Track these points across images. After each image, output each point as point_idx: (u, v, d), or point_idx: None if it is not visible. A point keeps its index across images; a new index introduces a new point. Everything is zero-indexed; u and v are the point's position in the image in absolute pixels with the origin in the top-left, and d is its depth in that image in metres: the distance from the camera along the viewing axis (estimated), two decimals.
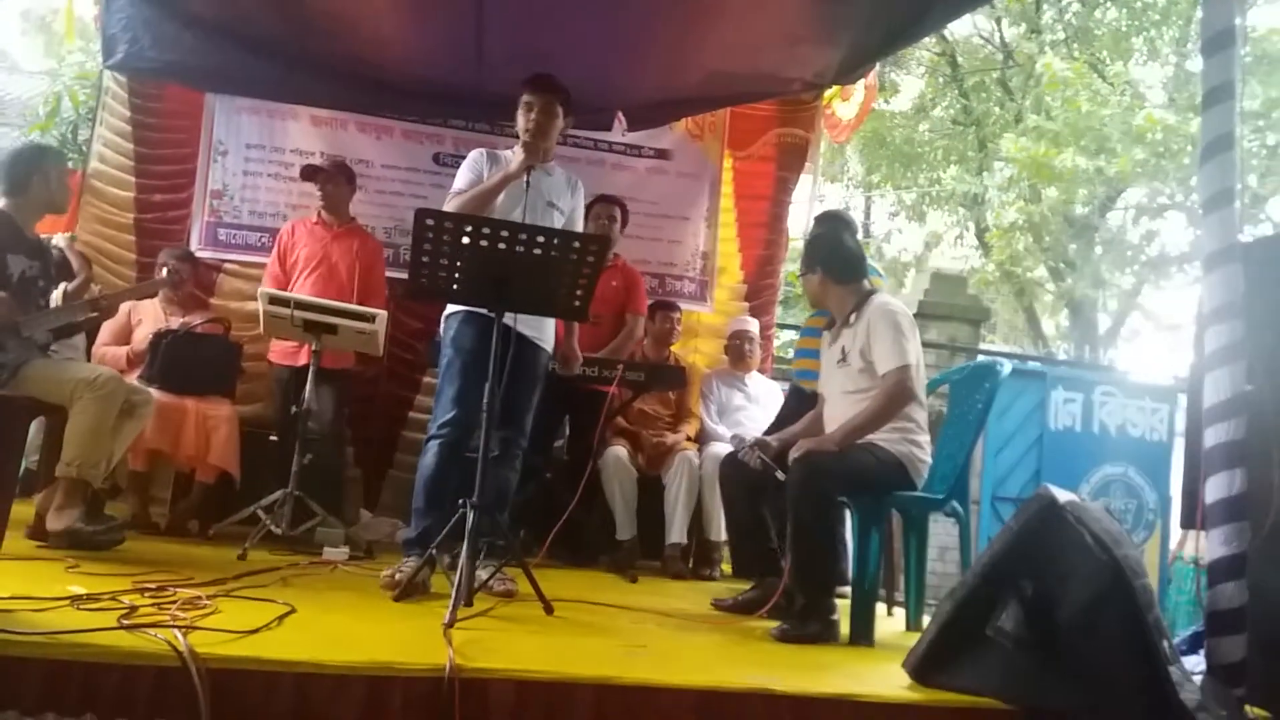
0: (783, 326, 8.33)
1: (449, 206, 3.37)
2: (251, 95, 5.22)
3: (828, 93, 5.61)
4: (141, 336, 4.37)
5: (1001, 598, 2.34)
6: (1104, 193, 12.61)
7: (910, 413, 3.21)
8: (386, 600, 2.88)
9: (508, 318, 3.05)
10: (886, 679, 2.40)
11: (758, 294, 5.79)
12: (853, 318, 3.35)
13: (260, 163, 5.28)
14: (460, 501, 2.91)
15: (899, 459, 3.15)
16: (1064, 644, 2.24)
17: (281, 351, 4.59)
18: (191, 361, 4.22)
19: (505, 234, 2.89)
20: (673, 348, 5.13)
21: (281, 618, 2.33)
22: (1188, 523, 2.92)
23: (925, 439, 3.26)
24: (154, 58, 4.80)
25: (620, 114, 5.28)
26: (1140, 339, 15.93)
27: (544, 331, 3.54)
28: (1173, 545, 6.67)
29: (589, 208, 4.65)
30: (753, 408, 5.01)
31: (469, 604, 2.74)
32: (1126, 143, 10.94)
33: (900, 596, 3.90)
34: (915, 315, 7.28)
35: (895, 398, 3.14)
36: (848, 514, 3.34)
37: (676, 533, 4.57)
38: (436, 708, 1.91)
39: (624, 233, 4.81)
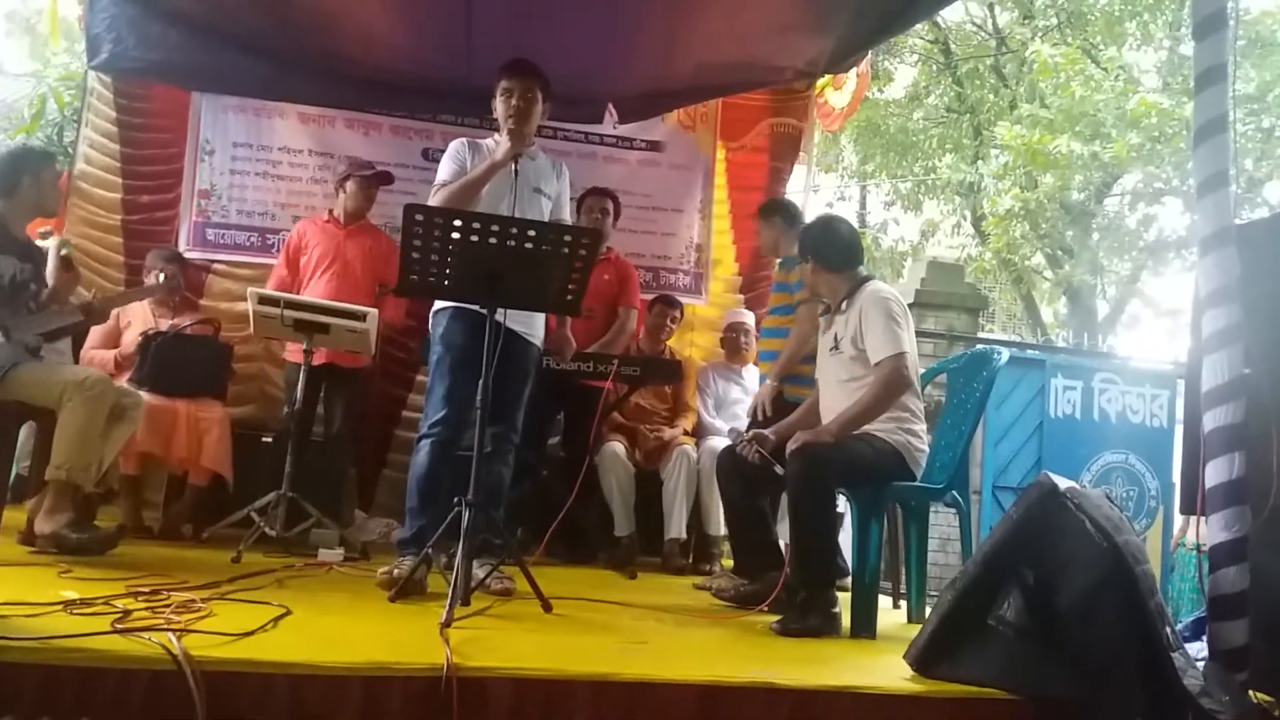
0: None
1: (434, 199, 3.34)
2: (238, 93, 5.19)
3: (820, 82, 5.59)
4: (130, 339, 4.34)
5: (1003, 586, 2.32)
6: (1100, 179, 12.59)
7: (906, 401, 3.19)
8: (382, 601, 2.86)
9: (498, 313, 3.02)
10: (888, 671, 2.38)
11: (753, 286, 5.76)
12: (845, 305, 3.33)
13: (248, 161, 5.25)
14: (455, 500, 2.89)
15: (896, 448, 3.14)
16: (1065, 631, 2.22)
17: (298, 349, 4.53)
18: (182, 363, 4.19)
19: (496, 228, 2.86)
20: (668, 341, 5.11)
21: (277, 620, 2.31)
22: (1188, 508, 2.90)
23: (921, 428, 3.24)
24: (139, 57, 4.78)
25: (611, 106, 5.27)
26: (1140, 325, 15.93)
27: (533, 326, 3.51)
28: (1175, 532, 6.67)
29: (581, 201, 4.63)
30: (749, 400, 4.99)
31: (466, 603, 2.72)
32: (1121, 128, 10.91)
33: (904, 589, 3.88)
34: (913, 305, 7.31)
35: (890, 386, 3.12)
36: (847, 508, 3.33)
37: (675, 528, 4.55)
38: (434, 707, 1.90)
39: (617, 226, 4.79)
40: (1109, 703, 2.17)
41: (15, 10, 14.72)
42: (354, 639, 2.28)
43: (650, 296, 5.12)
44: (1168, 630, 2.25)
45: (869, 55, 5.67)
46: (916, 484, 3.26)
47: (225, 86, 5.13)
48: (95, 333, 4.35)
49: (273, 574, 3.14)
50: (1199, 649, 2.55)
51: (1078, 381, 6.72)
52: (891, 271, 14.93)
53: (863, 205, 16.46)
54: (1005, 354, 3.54)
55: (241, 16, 4.56)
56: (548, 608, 2.86)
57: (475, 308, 3.12)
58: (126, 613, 2.18)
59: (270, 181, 5.26)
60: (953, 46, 14.36)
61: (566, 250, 2.93)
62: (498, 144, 3.36)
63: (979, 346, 4.05)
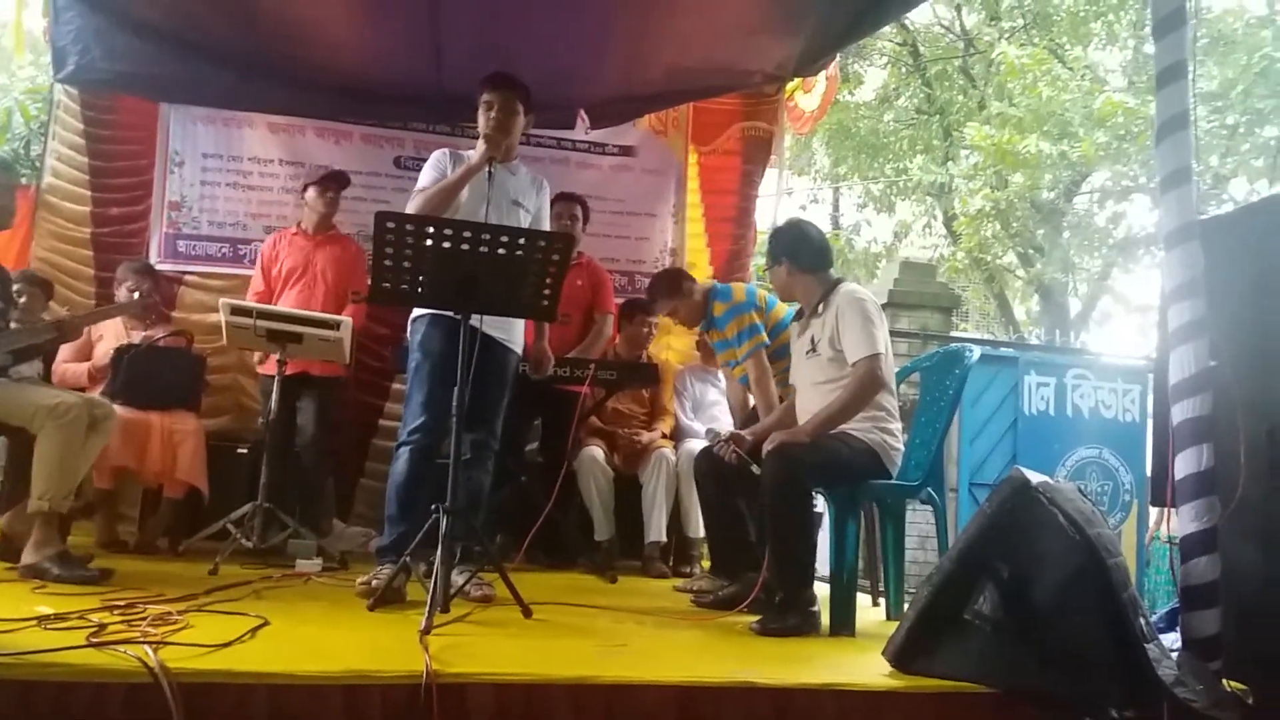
0: None
1: (412, 204, 3.34)
2: (206, 104, 5.15)
3: (790, 85, 5.62)
4: (103, 352, 4.30)
5: (978, 582, 2.35)
6: (1069, 177, 12.73)
7: (881, 401, 3.21)
8: (361, 610, 2.85)
9: (474, 319, 3.02)
10: (866, 668, 2.40)
11: None
12: (820, 307, 3.35)
13: (218, 172, 5.21)
14: (434, 507, 2.88)
15: (871, 447, 3.16)
16: (1040, 625, 2.24)
17: (272, 364, 4.51)
18: (155, 376, 4.15)
19: (468, 234, 2.86)
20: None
21: (255, 630, 2.30)
22: (1158, 500, 2.94)
23: (897, 426, 3.27)
24: (105, 69, 4.72)
25: (582, 112, 5.26)
26: (1111, 321, 16.10)
27: (512, 333, 3.52)
28: (1150, 525, 6.75)
29: (549, 206, 4.63)
30: (726, 402, 5.01)
31: (445, 610, 2.72)
32: (1089, 127, 11.05)
33: (882, 586, 3.90)
34: (886, 305, 7.36)
35: (866, 386, 3.14)
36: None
37: (655, 531, 4.55)
38: (415, 714, 1.89)
39: (587, 230, 4.80)
40: (1085, 694, 2.20)
41: None
42: (333, 648, 2.27)
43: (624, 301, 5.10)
44: (1141, 621, 2.28)
45: (838, 58, 5.70)
46: (892, 482, 3.28)
47: (193, 97, 5.08)
48: (67, 346, 4.29)
49: (250, 585, 3.13)
50: (1174, 640, 2.59)
51: (1051, 378, 6.80)
52: (866, 273, 15.01)
53: (836, 208, 16.56)
54: (977, 351, 3.58)
55: (208, 27, 4.52)
56: (528, 613, 2.86)
57: (452, 314, 3.11)
58: (102, 626, 2.17)
59: (241, 192, 5.22)
60: (921, 48, 14.49)
61: (539, 255, 2.93)
62: (476, 149, 3.38)
63: (951, 345, 4.09)
